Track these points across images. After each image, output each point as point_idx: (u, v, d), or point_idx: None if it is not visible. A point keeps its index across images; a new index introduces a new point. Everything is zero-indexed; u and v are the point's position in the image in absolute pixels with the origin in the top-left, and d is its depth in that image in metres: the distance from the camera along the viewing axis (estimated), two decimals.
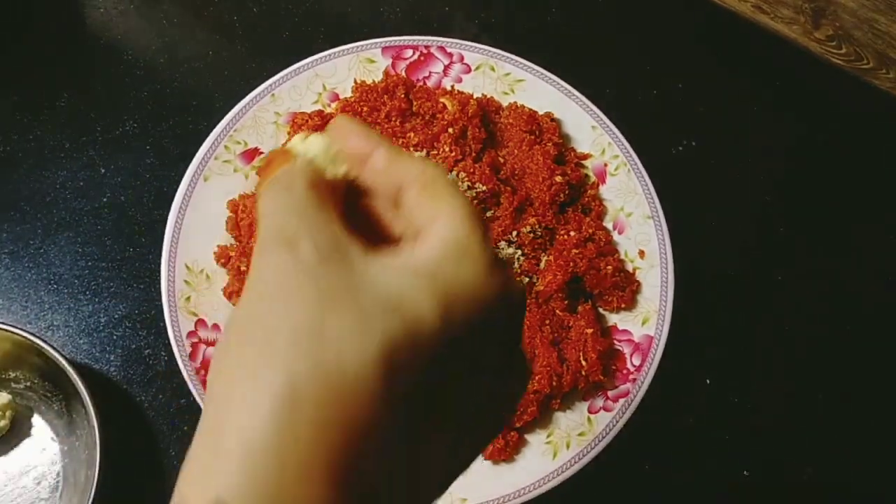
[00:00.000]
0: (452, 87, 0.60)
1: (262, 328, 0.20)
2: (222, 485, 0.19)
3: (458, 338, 0.21)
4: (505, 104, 0.59)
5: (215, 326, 0.52)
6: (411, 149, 0.56)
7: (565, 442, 0.51)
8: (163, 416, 0.54)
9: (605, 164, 0.59)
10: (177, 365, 0.51)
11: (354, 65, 0.60)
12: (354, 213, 0.24)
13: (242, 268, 0.52)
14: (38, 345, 0.49)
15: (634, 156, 0.58)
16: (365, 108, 0.57)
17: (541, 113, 0.59)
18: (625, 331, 0.55)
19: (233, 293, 0.52)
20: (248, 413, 0.19)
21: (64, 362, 0.49)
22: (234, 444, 0.19)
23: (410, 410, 0.20)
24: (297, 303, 0.20)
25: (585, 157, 0.59)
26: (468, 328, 0.21)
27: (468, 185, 0.54)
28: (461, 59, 0.60)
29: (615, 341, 0.54)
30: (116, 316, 0.56)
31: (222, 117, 0.56)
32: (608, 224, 0.58)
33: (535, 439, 0.52)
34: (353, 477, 0.19)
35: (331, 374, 0.19)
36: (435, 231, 0.22)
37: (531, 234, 0.54)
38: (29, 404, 0.53)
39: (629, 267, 0.56)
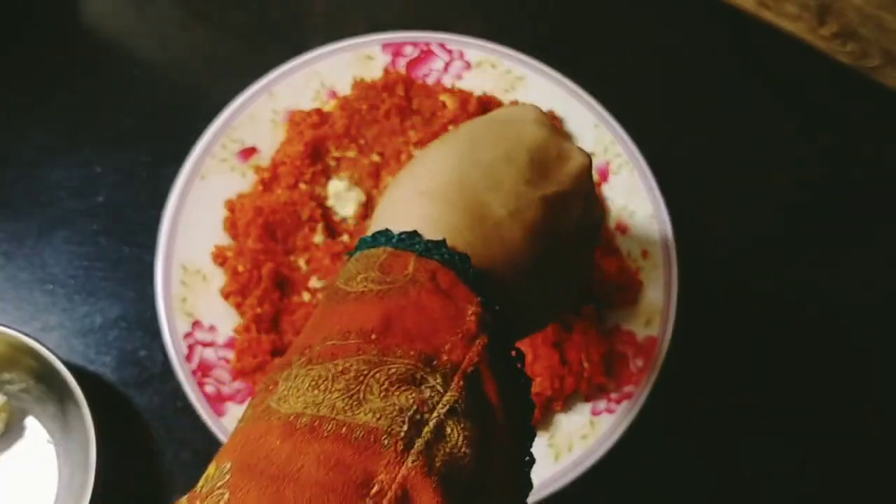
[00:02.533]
0: (453, 84, 0.59)
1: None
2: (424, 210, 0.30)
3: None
4: (506, 101, 0.59)
5: (212, 328, 0.52)
6: (411, 147, 0.55)
7: (567, 445, 0.51)
8: (158, 418, 0.53)
9: (608, 163, 0.58)
10: (172, 367, 0.50)
11: (353, 62, 0.59)
12: None
13: (240, 268, 0.51)
14: (32, 346, 0.49)
15: (638, 154, 0.58)
16: (364, 106, 0.56)
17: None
18: (628, 332, 0.54)
19: (230, 294, 0.52)
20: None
21: (59, 364, 0.48)
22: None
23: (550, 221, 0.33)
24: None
25: None
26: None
27: None
28: (462, 55, 0.60)
29: (618, 343, 0.54)
30: (112, 317, 0.55)
31: (219, 115, 0.56)
32: (611, 223, 0.57)
33: (537, 442, 0.50)
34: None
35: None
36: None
37: None
38: (23, 406, 0.52)
39: (632, 267, 0.55)
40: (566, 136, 0.36)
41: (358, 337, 0.24)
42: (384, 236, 0.29)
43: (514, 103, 0.58)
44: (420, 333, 0.25)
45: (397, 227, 0.29)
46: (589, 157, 0.36)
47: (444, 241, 0.28)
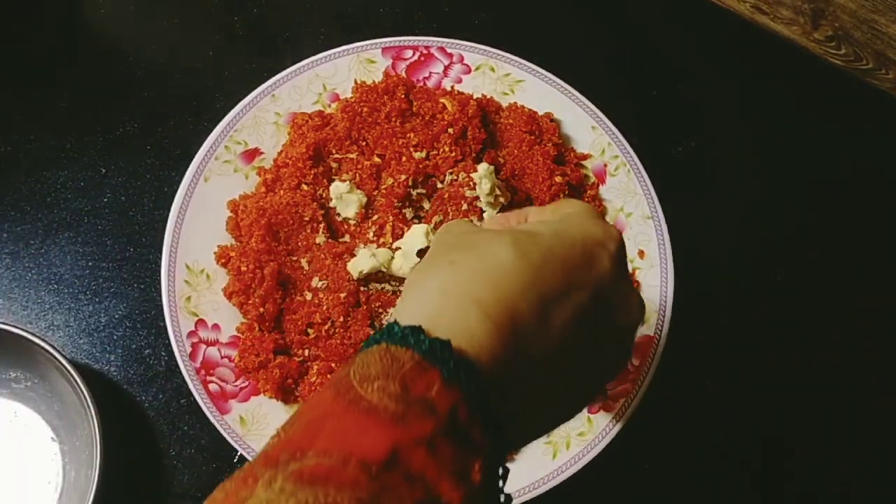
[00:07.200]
0: (452, 87, 0.60)
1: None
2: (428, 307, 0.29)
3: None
4: (505, 104, 0.60)
5: (215, 326, 0.52)
6: (411, 149, 0.56)
7: (565, 442, 0.52)
8: (163, 415, 0.54)
9: (605, 165, 0.59)
10: (177, 365, 0.51)
11: (355, 65, 0.60)
12: None
13: (243, 268, 0.52)
14: (38, 345, 0.49)
15: (634, 156, 0.58)
16: (365, 109, 0.57)
17: (541, 113, 0.59)
18: None
19: (233, 293, 0.52)
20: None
21: (64, 362, 0.49)
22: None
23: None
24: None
25: (585, 157, 0.59)
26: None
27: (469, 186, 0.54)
28: (461, 59, 0.61)
29: None
30: (117, 316, 0.56)
31: (223, 117, 0.57)
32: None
33: (535, 440, 0.52)
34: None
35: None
36: None
37: None
38: (29, 404, 0.53)
39: (629, 267, 0.56)
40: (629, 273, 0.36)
41: (358, 467, 0.23)
42: (415, 337, 0.27)
43: (514, 106, 0.59)
44: (423, 477, 0.24)
45: (437, 325, 0.28)
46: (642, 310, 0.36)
47: (476, 367, 0.27)
